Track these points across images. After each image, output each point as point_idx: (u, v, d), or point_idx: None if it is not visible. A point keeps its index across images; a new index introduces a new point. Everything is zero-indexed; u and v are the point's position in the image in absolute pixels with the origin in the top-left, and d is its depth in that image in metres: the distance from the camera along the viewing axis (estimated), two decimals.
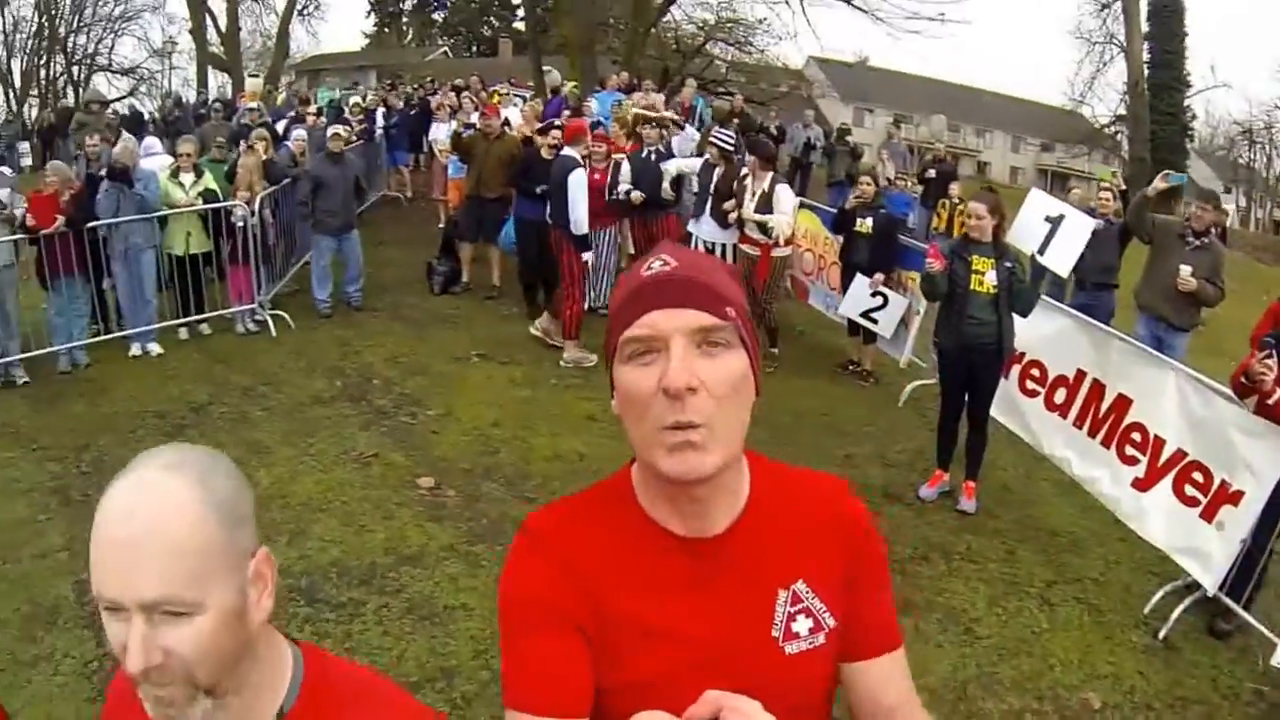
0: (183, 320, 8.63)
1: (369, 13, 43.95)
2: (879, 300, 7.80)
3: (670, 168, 9.05)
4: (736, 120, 11.79)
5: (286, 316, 8.89)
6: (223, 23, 34.25)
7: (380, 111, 14.89)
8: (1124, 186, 11.16)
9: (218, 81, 29.73)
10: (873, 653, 1.26)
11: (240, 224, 8.41)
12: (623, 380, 1.14)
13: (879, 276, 7.78)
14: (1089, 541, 5.66)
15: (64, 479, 5.87)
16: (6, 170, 8.94)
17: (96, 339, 8.28)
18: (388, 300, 9.76)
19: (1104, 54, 30.62)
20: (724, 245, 8.30)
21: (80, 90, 35.85)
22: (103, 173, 8.06)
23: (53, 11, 36.47)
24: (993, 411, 6.03)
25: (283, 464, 6.03)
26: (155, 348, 8.30)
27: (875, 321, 7.86)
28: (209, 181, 8.55)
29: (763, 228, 7.86)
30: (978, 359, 5.66)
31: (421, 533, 5.18)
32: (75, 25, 37.49)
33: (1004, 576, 5.17)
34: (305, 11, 36.76)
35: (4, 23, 36.32)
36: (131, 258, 8.11)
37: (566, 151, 8.17)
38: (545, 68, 16.81)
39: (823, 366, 8.53)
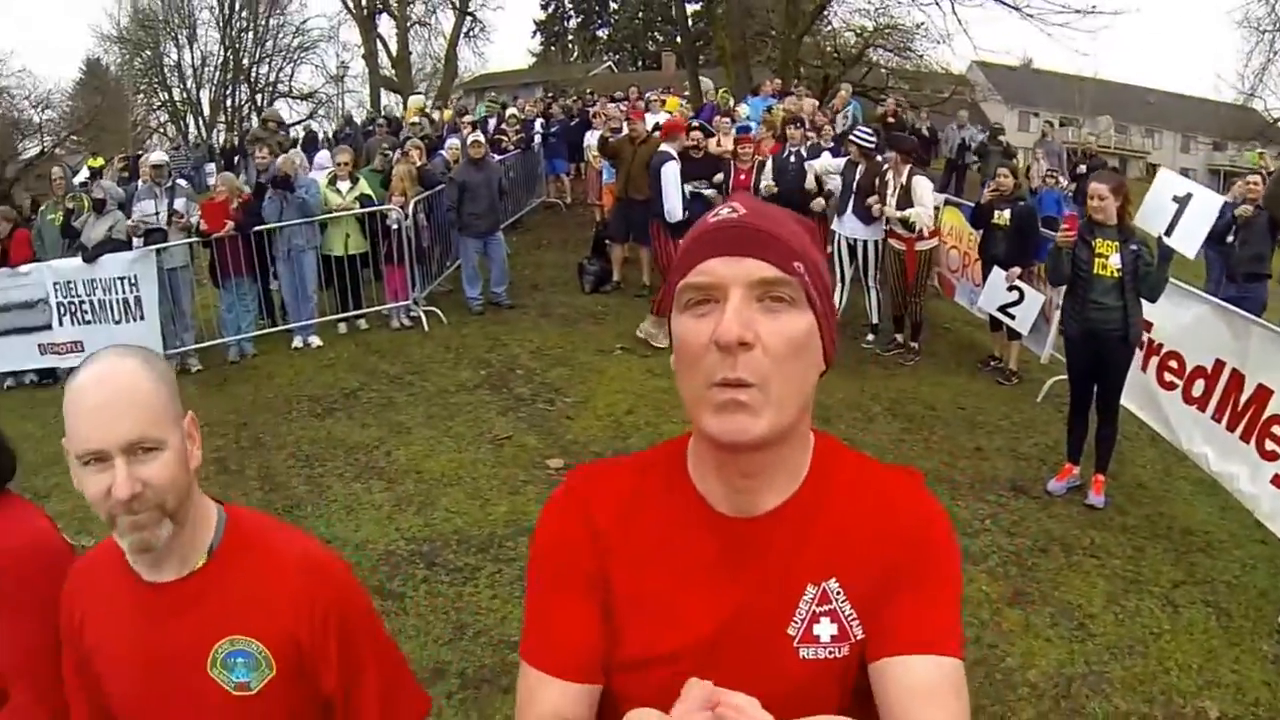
0: (341, 315, 9.54)
1: (535, 32, 46.15)
2: (1015, 295, 7.69)
3: (814, 166, 9.23)
4: (891, 121, 11.81)
5: (439, 313, 9.59)
6: (394, 48, 37.71)
7: (539, 122, 15.75)
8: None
9: (391, 102, 32.30)
10: (900, 648, 1.09)
11: (394, 226, 9.18)
12: (677, 330, 1.11)
13: (1015, 270, 7.67)
14: (1225, 543, 5.41)
15: (224, 452, 6.72)
16: (183, 182, 10.08)
17: (263, 332, 9.38)
18: (539, 299, 10.35)
19: (1274, 42, 28.20)
20: (868, 241, 8.48)
21: (260, 113, 39.55)
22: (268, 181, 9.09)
23: (237, 46, 40.95)
24: (1131, 406, 5.89)
25: (420, 443, 6.64)
26: (315, 340, 9.25)
27: (1013, 317, 7.74)
28: (364, 187, 9.41)
29: (905, 222, 8.01)
30: (1103, 346, 5.54)
31: (533, 506, 5.56)
32: (257, 57, 41.82)
33: (1127, 574, 5.03)
34: (471, 34, 39.45)
35: (194, 57, 41.14)
36: (294, 258, 9.11)
37: (664, 147, 8.67)
38: (702, 78, 17.42)
39: (964, 362, 8.48)
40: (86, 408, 1.36)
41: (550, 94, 24.03)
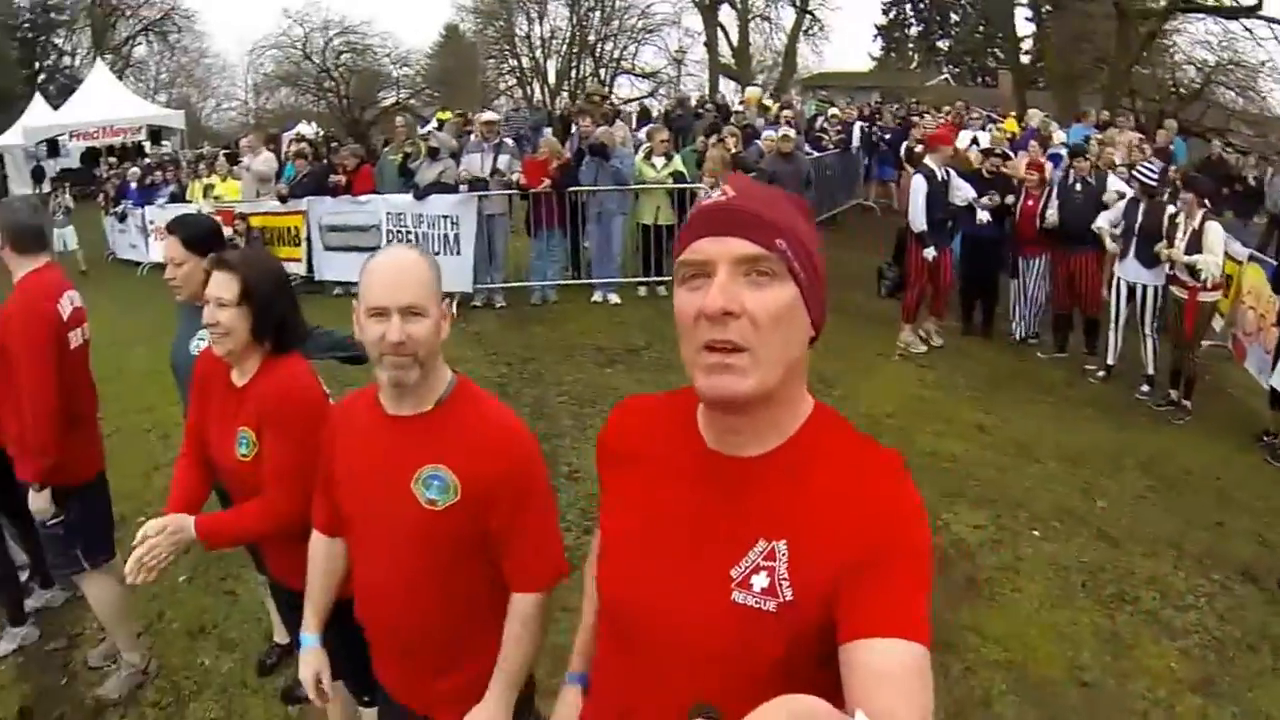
0: (643, 279, 10.56)
1: (875, 36, 45.89)
2: None
3: (1109, 192, 9.06)
4: (1215, 162, 11.31)
5: None
6: (734, 38, 40.62)
7: (858, 125, 16.34)
8: None
9: (728, 90, 33.81)
10: (866, 631, 1.16)
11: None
12: (676, 302, 1.30)
13: None
14: None
15: (506, 379, 7.73)
16: (509, 141, 11.42)
17: (566, 282, 10.64)
18: (835, 295, 10.54)
19: None
20: (1149, 286, 8.19)
21: (605, 88, 42.28)
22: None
23: (585, 22, 44.21)
24: None
25: None
26: (614, 298, 10.33)
27: None
28: (678, 165, 10.36)
29: (1191, 269, 7.69)
30: None
31: None
32: (603, 34, 44.76)
33: None
34: (810, 32, 41.30)
35: (543, 30, 44.92)
36: (604, 220, 10.22)
37: (927, 159, 8.85)
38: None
39: (1237, 432, 7.92)
40: (379, 276, 2.00)
41: (880, 101, 24.37)
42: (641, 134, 13.10)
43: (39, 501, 3.78)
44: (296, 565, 2.51)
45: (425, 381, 2.06)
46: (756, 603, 1.25)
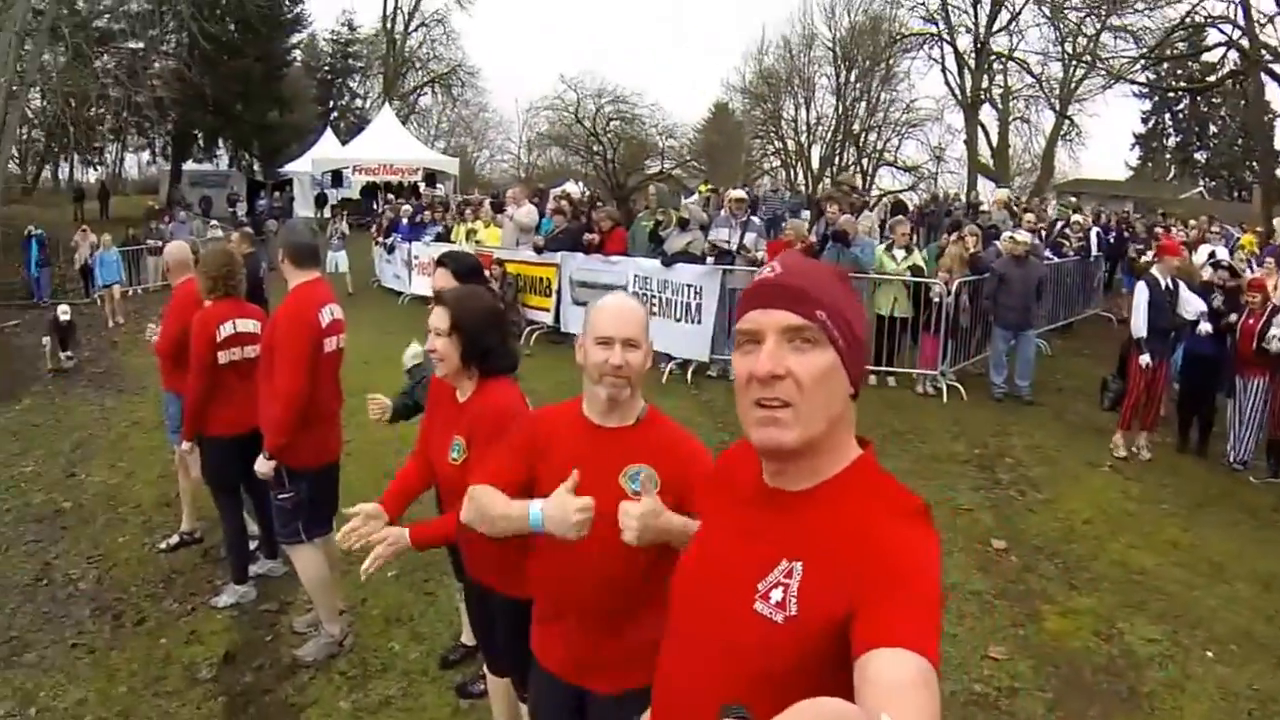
0: (874, 367, 10.79)
1: (1133, 145, 45.26)
2: None
3: None
4: None
5: (961, 390, 10.51)
6: (994, 138, 41.80)
7: (1095, 232, 16.28)
8: None
9: (987, 188, 33.86)
10: (878, 643, 1.29)
11: (936, 300, 10.27)
12: (733, 365, 1.56)
13: None
14: None
15: (703, 434, 8.06)
16: (756, 219, 11.91)
17: None
18: (1058, 402, 10.81)
19: None
20: None
21: (867, 180, 44.60)
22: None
23: (850, 113, 45.50)
24: None
25: None
26: None
27: None
28: (917, 259, 10.70)
29: None
30: None
31: (963, 573, 6.18)
32: (868, 125, 45.96)
33: None
34: (1068, 137, 41.68)
35: (809, 116, 46.99)
36: None
37: (1153, 270, 8.87)
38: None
39: None
40: (608, 313, 2.54)
41: (1127, 211, 24.01)
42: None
43: (263, 467, 4.61)
44: (489, 563, 3.18)
45: (631, 401, 2.57)
46: (770, 614, 1.46)
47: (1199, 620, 5.73)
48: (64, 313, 14.34)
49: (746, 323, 1.52)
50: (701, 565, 1.67)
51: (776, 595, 1.46)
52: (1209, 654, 5.36)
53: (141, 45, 31.24)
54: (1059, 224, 15.92)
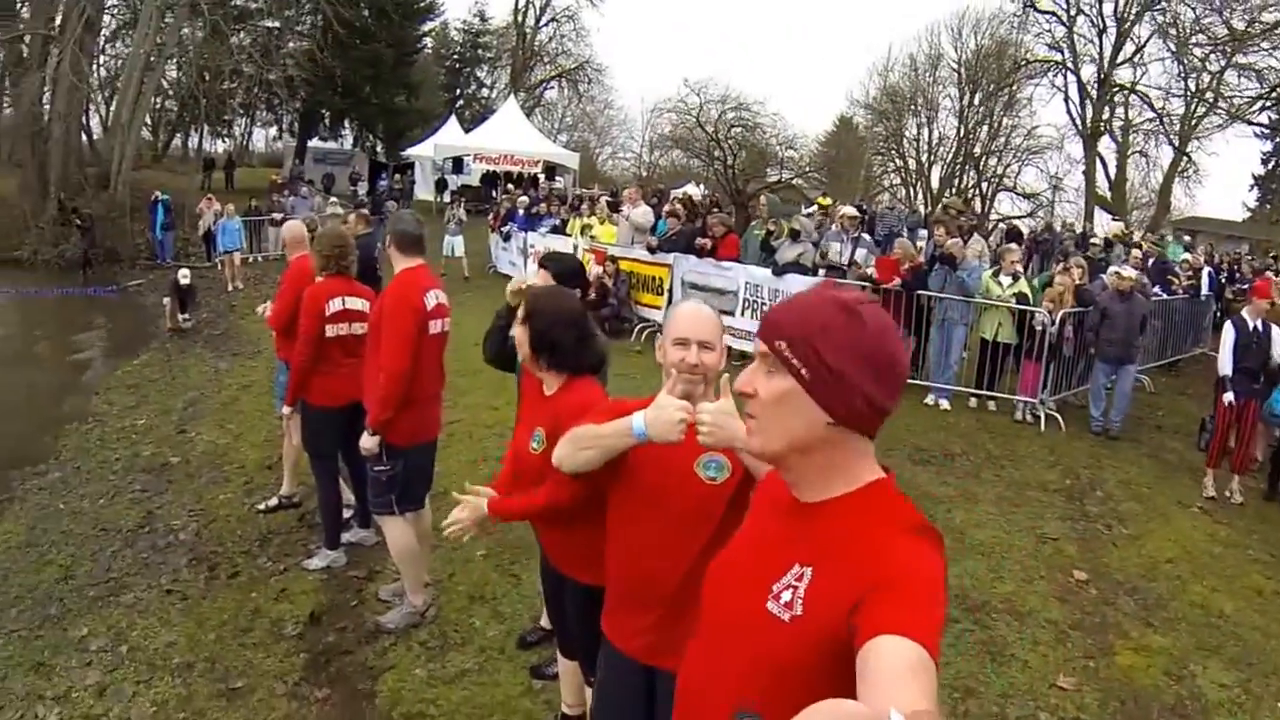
0: (975, 390, 11.01)
1: (1252, 186, 43.60)
2: None
3: None
4: None
5: (1060, 420, 10.55)
6: (1112, 170, 41.85)
7: (1207, 272, 16.08)
8: None
9: (1104, 220, 33.63)
10: (879, 631, 1.38)
11: (1039, 328, 10.36)
12: None
13: None
14: None
15: None
16: (867, 236, 11.97)
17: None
18: (1155, 439, 10.79)
19: None
20: None
21: (986, 204, 44.88)
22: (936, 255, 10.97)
23: (972, 135, 45.62)
24: None
25: (979, 514, 7.70)
26: (945, 403, 10.87)
27: None
28: (1023, 286, 10.77)
29: None
30: None
31: (1041, 601, 6.24)
32: (989, 149, 45.79)
33: None
34: (1186, 174, 41.12)
35: (930, 136, 47.63)
36: (946, 327, 10.76)
37: (1243, 312, 8.99)
38: None
39: None
40: (685, 317, 2.77)
41: (1238, 252, 23.59)
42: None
43: (368, 442, 4.89)
44: (563, 550, 3.45)
45: (705, 396, 2.68)
46: (778, 613, 1.58)
47: (1274, 669, 5.68)
48: (184, 276, 15.13)
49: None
50: (730, 566, 1.81)
51: (786, 596, 1.59)
52: None
53: (277, 25, 32.52)
54: (1161, 262, 15.66)
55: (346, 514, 6.22)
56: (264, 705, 4.48)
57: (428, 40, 46.48)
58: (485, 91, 52.10)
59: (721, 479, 2.64)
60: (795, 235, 11.78)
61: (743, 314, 11.95)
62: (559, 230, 17.73)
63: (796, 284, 11.06)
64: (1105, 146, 42.62)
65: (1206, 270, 16.24)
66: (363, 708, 4.52)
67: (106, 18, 30.44)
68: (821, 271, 11.04)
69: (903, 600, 1.42)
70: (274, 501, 6.87)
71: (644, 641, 2.76)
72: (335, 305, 5.56)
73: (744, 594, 1.67)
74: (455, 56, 50.85)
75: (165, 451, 8.26)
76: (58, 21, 24.40)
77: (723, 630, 1.73)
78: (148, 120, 35.30)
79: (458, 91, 50.08)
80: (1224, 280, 17.07)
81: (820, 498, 1.66)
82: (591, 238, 15.87)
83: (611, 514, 2.86)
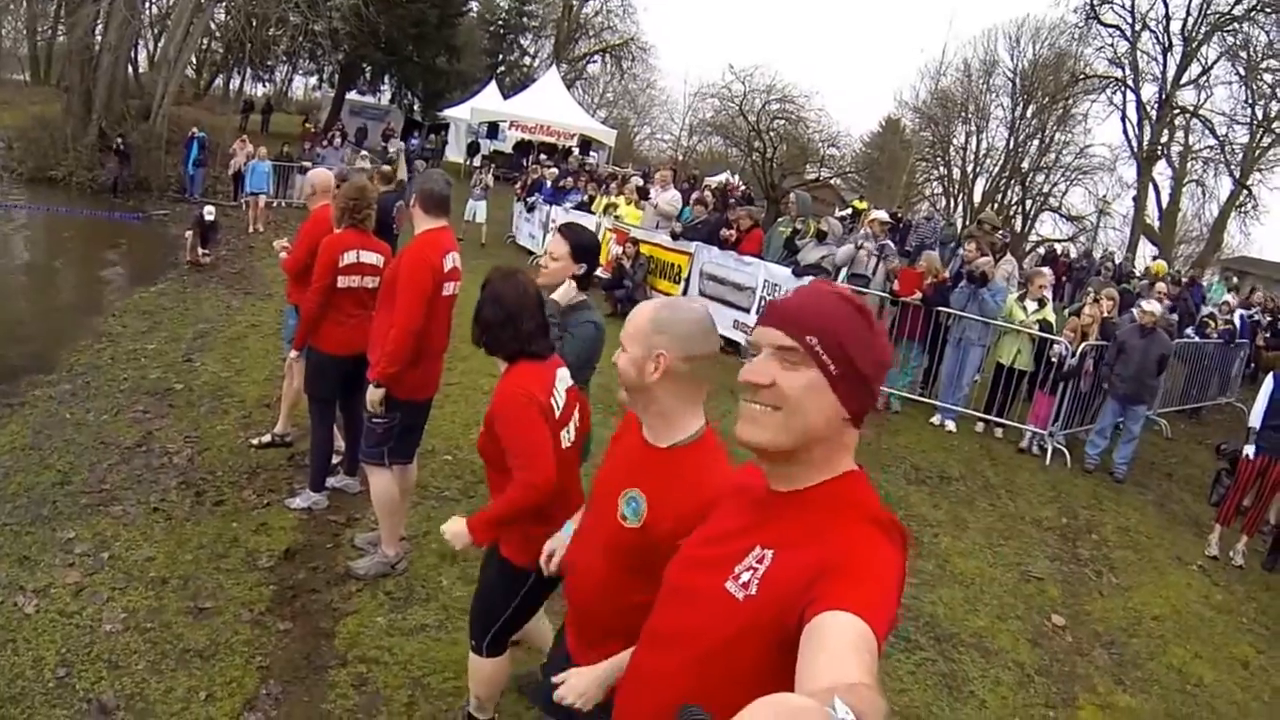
0: (983, 415, 10.85)
1: None
2: None
3: None
4: None
5: (1066, 454, 10.39)
6: (1164, 198, 40.36)
7: (1240, 313, 15.78)
8: None
9: (1146, 251, 32.96)
10: (824, 608, 1.43)
11: (1054, 359, 10.19)
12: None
13: None
14: None
15: None
16: (890, 244, 11.84)
17: (913, 396, 11.17)
18: (1163, 487, 10.59)
19: None
20: None
21: (1027, 222, 44.76)
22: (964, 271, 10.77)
23: (1021, 149, 44.98)
24: None
25: (966, 542, 7.64)
26: (951, 425, 10.76)
27: None
28: (1047, 314, 10.60)
29: None
30: None
31: (1011, 640, 6.17)
32: (1038, 164, 45.02)
33: None
34: (1244, 208, 40.01)
35: (978, 145, 46.91)
36: (963, 346, 10.63)
37: None
38: None
39: None
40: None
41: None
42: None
43: (374, 395, 4.99)
44: (508, 532, 3.48)
45: (665, 420, 2.53)
46: (734, 591, 1.65)
47: None
48: (209, 213, 15.53)
49: (753, 334, 1.72)
50: (695, 551, 1.88)
51: (745, 576, 1.65)
52: None
53: None
54: (1197, 296, 15.46)
55: (335, 459, 6.40)
56: (227, 628, 4.72)
57: (474, 3, 46.50)
58: (527, 60, 51.99)
59: (636, 524, 2.48)
60: (822, 237, 11.64)
61: (757, 312, 11.81)
62: (585, 207, 17.73)
63: None
64: (1160, 172, 41.78)
65: (1239, 313, 15.82)
66: (320, 645, 4.72)
67: None
68: (842, 276, 11.01)
69: (852, 582, 1.47)
70: (267, 438, 7.09)
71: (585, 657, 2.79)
72: (350, 258, 5.75)
73: (706, 576, 1.74)
74: (500, 22, 50.65)
75: (170, 377, 8.50)
76: None
77: (674, 613, 1.82)
78: (193, 59, 36.00)
79: (500, 57, 49.86)
80: (1260, 325, 16.59)
81: (796, 487, 1.71)
82: (616, 217, 15.90)
83: None
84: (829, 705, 1.05)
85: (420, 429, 5.47)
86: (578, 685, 2.33)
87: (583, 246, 4.19)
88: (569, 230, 4.26)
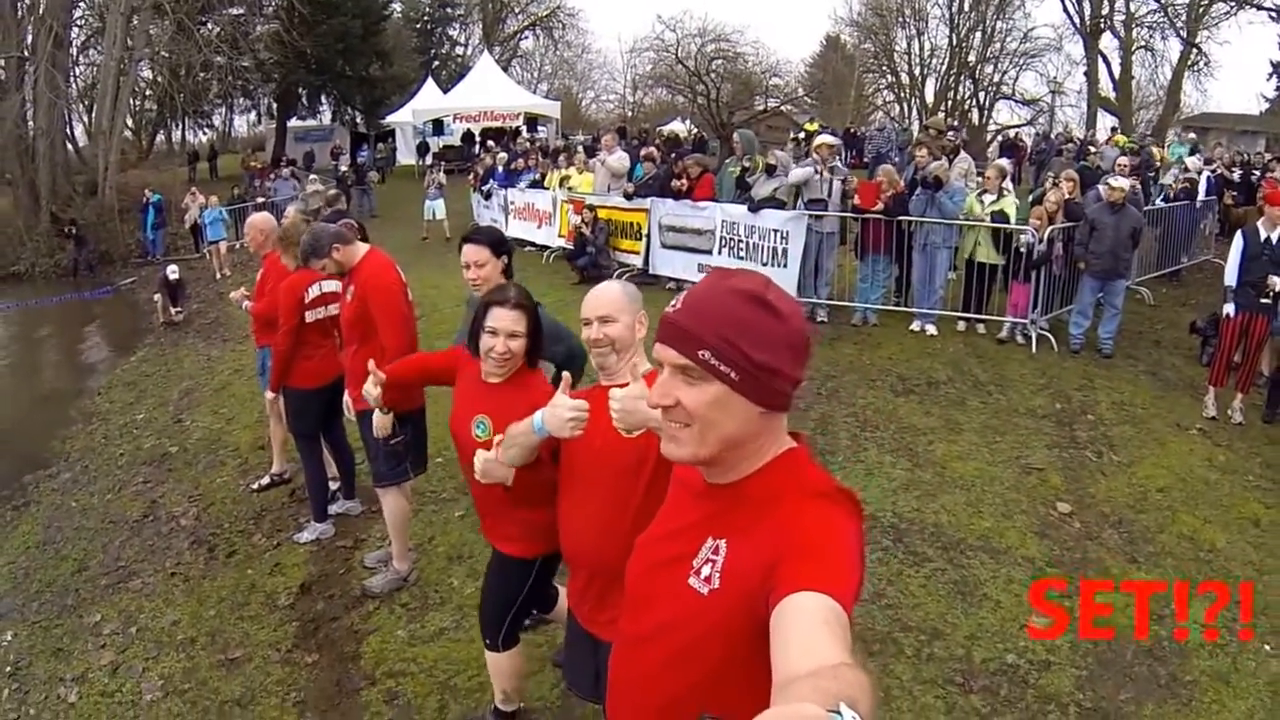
0: (962, 314, 10.93)
1: (1270, 75, 41.59)
2: None
3: None
4: None
5: (1052, 340, 10.39)
6: (1116, 69, 40.20)
7: (1206, 176, 15.56)
8: None
9: (1106, 124, 32.90)
10: (791, 589, 1.44)
11: (1021, 249, 10.20)
12: None
13: None
14: None
15: (801, 394, 8.14)
16: (840, 165, 11.90)
17: (888, 308, 11.25)
18: (1153, 356, 10.55)
19: None
20: None
21: (984, 114, 44.69)
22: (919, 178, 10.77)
23: (965, 43, 44.77)
24: None
25: (962, 445, 7.69)
26: (931, 329, 10.80)
27: None
28: (1005, 205, 10.54)
29: None
30: None
31: (1019, 537, 6.22)
32: (984, 56, 44.79)
33: None
34: (1196, 68, 39.79)
35: (921, 48, 46.59)
36: (929, 252, 10.66)
37: (1260, 221, 8.70)
38: None
39: None
40: (587, 299, 2.99)
41: (1259, 153, 23.08)
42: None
43: (382, 421, 4.91)
44: (504, 530, 3.62)
45: (622, 363, 2.94)
46: (698, 586, 1.67)
47: (1264, 608, 5.47)
48: (172, 271, 15.85)
49: (655, 352, 1.71)
50: (652, 549, 1.89)
51: (705, 570, 1.67)
52: (1267, 648, 5.14)
53: (241, 11, 32.50)
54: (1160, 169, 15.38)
55: (332, 487, 6.60)
56: (259, 672, 4.95)
57: (395, 6, 46.06)
58: (459, 50, 51.78)
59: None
60: (771, 170, 11.61)
61: (719, 253, 12.06)
62: (538, 184, 17.81)
63: (773, 218, 11.21)
64: (1107, 44, 41.27)
65: (1205, 174, 15.68)
66: (348, 669, 4.93)
67: (75, 30, 31.00)
68: (802, 204, 11.04)
69: (810, 560, 1.48)
70: (266, 480, 7.31)
71: (585, 612, 3.08)
72: (314, 291, 5.98)
73: (667, 573, 1.76)
74: (425, 18, 50.28)
75: (164, 442, 8.73)
76: (28, 42, 25.57)
77: (647, 611, 1.83)
78: (129, 122, 35.85)
79: (431, 54, 49.53)
80: (1226, 181, 16.43)
81: (733, 478, 1.72)
82: (569, 188, 15.94)
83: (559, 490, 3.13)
84: (833, 710, 1.05)
85: (426, 432, 5.53)
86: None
87: (496, 241, 4.28)
88: (476, 235, 4.31)
